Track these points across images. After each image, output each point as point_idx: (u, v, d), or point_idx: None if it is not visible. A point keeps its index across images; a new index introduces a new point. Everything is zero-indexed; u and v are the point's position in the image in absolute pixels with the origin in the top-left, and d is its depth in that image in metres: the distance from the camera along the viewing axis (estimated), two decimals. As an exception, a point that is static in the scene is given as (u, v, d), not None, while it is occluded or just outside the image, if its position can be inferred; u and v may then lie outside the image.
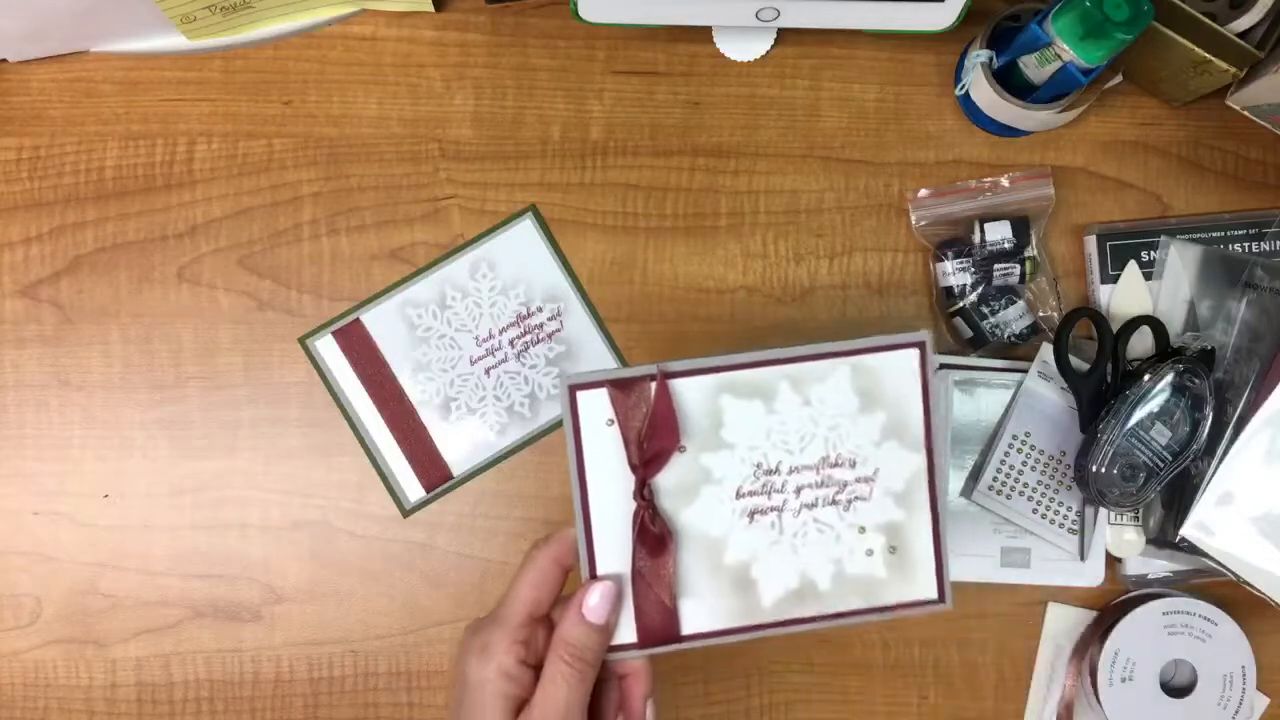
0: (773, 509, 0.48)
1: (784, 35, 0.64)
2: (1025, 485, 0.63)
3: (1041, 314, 0.64)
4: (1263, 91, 0.60)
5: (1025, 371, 0.63)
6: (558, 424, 0.63)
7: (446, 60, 0.63)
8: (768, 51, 0.64)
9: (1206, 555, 0.59)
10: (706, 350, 0.63)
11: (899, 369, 0.47)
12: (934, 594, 0.48)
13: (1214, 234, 0.65)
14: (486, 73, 0.63)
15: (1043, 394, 0.63)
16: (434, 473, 0.63)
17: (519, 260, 0.62)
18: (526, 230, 0.62)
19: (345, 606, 0.63)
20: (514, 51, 0.64)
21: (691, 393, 0.46)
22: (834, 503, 0.48)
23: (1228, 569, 0.59)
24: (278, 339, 0.62)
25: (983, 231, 0.62)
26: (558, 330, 0.63)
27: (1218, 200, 0.66)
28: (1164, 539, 0.62)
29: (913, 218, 0.64)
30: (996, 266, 0.62)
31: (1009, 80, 0.61)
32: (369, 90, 0.63)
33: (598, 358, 0.63)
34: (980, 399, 0.63)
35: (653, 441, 0.46)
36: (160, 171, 0.62)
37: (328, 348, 0.62)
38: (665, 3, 0.56)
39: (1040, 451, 0.63)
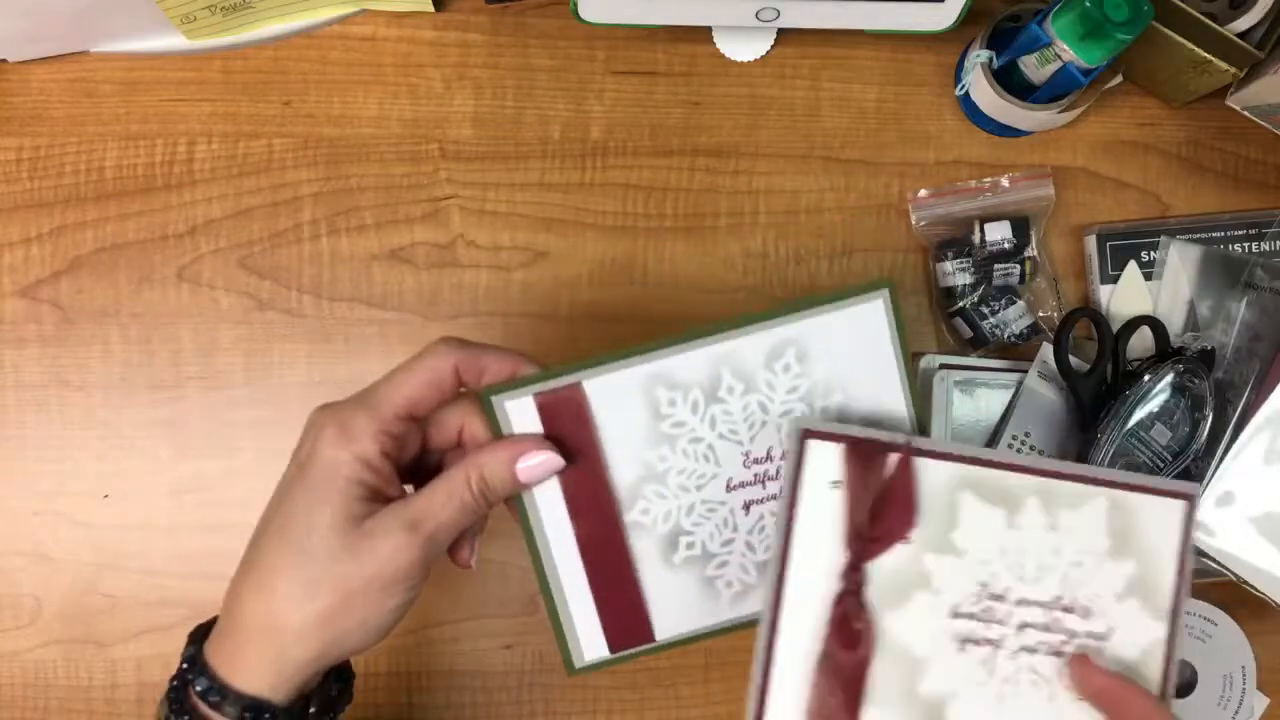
0: (988, 641, 0.42)
1: (784, 35, 0.64)
2: (1025, 485, 0.62)
3: (1041, 314, 0.64)
4: (1263, 91, 0.60)
5: (1025, 371, 0.63)
6: None
7: (446, 60, 0.63)
8: (768, 51, 0.64)
9: (1206, 555, 0.59)
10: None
11: (1160, 519, 0.43)
12: None
13: (1214, 234, 0.65)
14: (486, 73, 0.63)
15: (1043, 394, 0.63)
16: (629, 630, 0.46)
17: (846, 356, 0.44)
18: (873, 316, 0.43)
19: (345, 606, 0.63)
20: (514, 51, 0.64)
21: (932, 478, 0.41)
22: (1057, 654, 0.42)
23: (1228, 569, 0.59)
24: (278, 339, 0.62)
25: (983, 232, 0.62)
26: None
27: (1218, 200, 0.66)
28: (1164, 539, 0.62)
29: (913, 218, 0.64)
30: (996, 267, 0.62)
31: (1009, 80, 0.61)
32: (369, 90, 0.63)
33: None
34: (980, 399, 0.63)
35: (880, 520, 0.40)
36: (160, 171, 0.62)
37: (522, 413, 0.42)
38: (665, 3, 0.56)
39: (1040, 451, 0.63)
